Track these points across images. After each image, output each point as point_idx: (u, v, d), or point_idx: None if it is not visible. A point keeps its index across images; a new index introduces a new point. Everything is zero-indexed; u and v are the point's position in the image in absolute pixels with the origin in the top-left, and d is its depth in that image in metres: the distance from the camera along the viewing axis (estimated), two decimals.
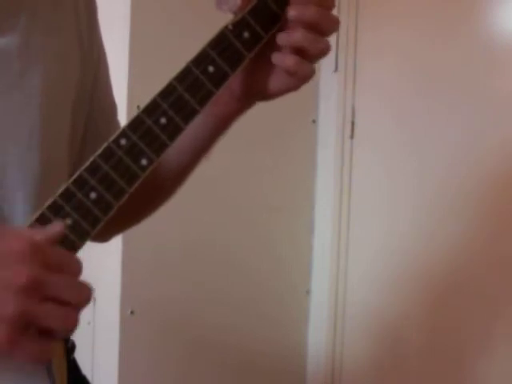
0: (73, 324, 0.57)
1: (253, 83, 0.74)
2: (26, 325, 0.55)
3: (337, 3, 2.07)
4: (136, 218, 0.91)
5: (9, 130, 0.67)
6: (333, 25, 0.70)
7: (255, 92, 0.74)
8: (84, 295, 0.58)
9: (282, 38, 0.70)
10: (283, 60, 0.70)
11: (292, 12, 0.68)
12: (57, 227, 0.59)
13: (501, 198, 1.65)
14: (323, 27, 0.69)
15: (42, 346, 0.56)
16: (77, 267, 0.58)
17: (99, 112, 0.83)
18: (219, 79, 0.68)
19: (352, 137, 1.93)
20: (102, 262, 1.59)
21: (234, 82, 0.73)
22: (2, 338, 0.54)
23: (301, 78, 0.71)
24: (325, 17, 0.69)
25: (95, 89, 0.81)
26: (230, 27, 0.69)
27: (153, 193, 0.84)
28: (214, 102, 0.69)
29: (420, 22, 1.78)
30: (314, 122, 1.98)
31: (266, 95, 0.74)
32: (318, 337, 1.98)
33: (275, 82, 0.73)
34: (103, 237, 0.88)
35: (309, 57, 0.70)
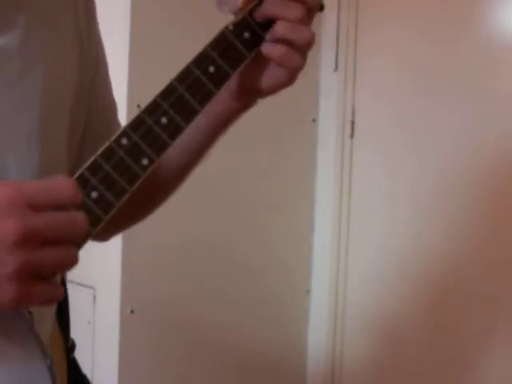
0: (73, 260, 0.57)
1: (248, 81, 0.75)
2: (30, 275, 0.55)
3: (337, 3, 2.07)
4: (136, 217, 0.91)
5: (8, 130, 0.67)
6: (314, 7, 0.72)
7: (251, 90, 0.75)
8: (79, 227, 0.57)
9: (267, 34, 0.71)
10: (271, 50, 0.71)
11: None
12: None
13: (500, 198, 1.65)
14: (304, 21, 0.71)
15: (51, 287, 0.56)
16: (68, 194, 0.57)
17: (98, 111, 0.83)
18: (220, 79, 0.69)
19: (352, 136, 1.93)
20: (101, 262, 1.59)
21: (232, 81, 0.73)
22: (12, 295, 0.54)
23: (290, 69, 0.72)
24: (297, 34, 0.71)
25: (94, 88, 0.81)
26: (231, 28, 0.69)
27: (153, 192, 0.84)
28: (213, 102, 0.69)
29: (420, 22, 1.78)
30: (313, 121, 1.98)
31: (261, 92, 0.75)
32: (317, 337, 1.98)
33: (268, 77, 0.73)
34: (103, 236, 0.88)
35: (296, 47, 0.71)
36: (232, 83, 0.74)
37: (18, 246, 0.54)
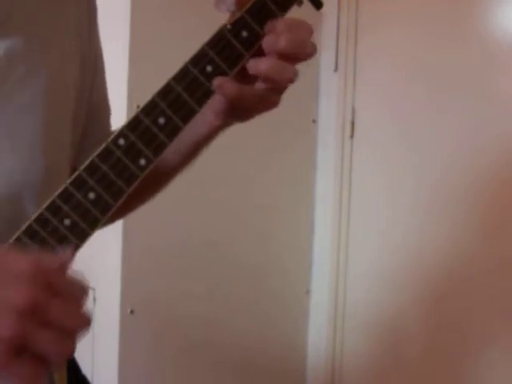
0: (69, 352, 0.56)
1: (238, 104, 0.72)
2: (21, 348, 0.53)
3: (337, 3, 2.07)
4: (127, 208, 0.91)
5: (13, 133, 0.67)
6: (309, 53, 0.69)
7: (239, 113, 0.74)
8: (83, 324, 0.56)
9: (250, 66, 0.69)
10: (257, 64, 0.68)
11: (264, 43, 0.68)
12: (67, 256, 0.58)
13: (501, 197, 1.65)
14: (298, 56, 0.68)
15: (35, 370, 0.55)
16: (80, 293, 0.57)
17: (96, 116, 0.83)
18: None
19: (352, 137, 1.93)
20: (102, 261, 1.59)
21: (217, 101, 0.71)
22: None
23: (268, 105, 0.71)
24: (299, 46, 0.68)
25: (93, 90, 0.81)
26: (229, 26, 0.69)
27: (147, 187, 0.84)
28: (196, 120, 0.68)
29: (420, 22, 1.78)
30: (314, 121, 1.98)
31: (249, 116, 0.74)
32: (317, 336, 1.98)
33: (249, 105, 0.71)
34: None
35: (277, 84, 0.69)
36: (218, 105, 0.72)
37: (23, 314, 0.52)
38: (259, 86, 0.70)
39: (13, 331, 0.52)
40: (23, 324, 0.52)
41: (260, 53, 0.69)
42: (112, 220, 0.90)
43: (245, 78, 0.70)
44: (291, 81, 0.69)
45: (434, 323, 1.77)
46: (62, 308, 0.55)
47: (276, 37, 0.68)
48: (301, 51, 0.68)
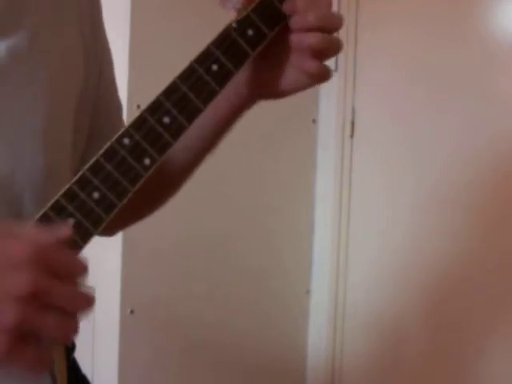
0: (72, 333, 0.56)
1: (262, 82, 0.74)
2: (25, 334, 0.53)
3: (337, 3, 2.07)
4: (139, 214, 0.91)
5: (14, 131, 0.67)
6: (336, 24, 0.70)
7: (264, 90, 0.74)
8: (85, 304, 0.56)
9: (295, 41, 0.69)
10: (303, 65, 0.70)
11: (294, 23, 0.69)
12: (64, 230, 0.58)
13: (501, 197, 1.65)
14: (327, 28, 0.69)
15: (41, 354, 0.55)
16: (81, 271, 0.56)
17: (103, 112, 0.83)
18: (223, 78, 0.68)
19: (352, 136, 1.93)
20: (102, 262, 1.59)
21: (241, 79, 0.72)
22: (0, 348, 0.53)
23: (320, 79, 0.71)
24: (326, 19, 0.69)
25: (99, 89, 0.81)
26: (234, 25, 0.68)
27: (157, 189, 0.84)
28: (217, 101, 0.68)
29: (420, 22, 1.78)
30: (314, 121, 1.98)
31: (277, 94, 0.74)
32: (317, 336, 1.98)
33: (289, 80, 0.72)
34: (107, 232, 0.88)
35: (323, 56, 0.70)
36: (241, 83, 0.73)
37: (24, 301, 0.52)
38: (288, 70, 0.71)
39: (14, 317, 0.52)
40: (25, 311, 0.53)
41: (279, 36, 0.70)
42: (125, 224, 0.90)
43: (273, 65, 0.71)
44: (338, 50, 0.70)
45: (434, 323, 1.76)
46: (62, 289, 0.54)
47: (302, 14, 0.68)
48: (328, 24, 0.69)
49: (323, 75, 0.70)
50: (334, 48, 0.70)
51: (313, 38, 0.68)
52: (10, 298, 0.52)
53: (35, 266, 0.53)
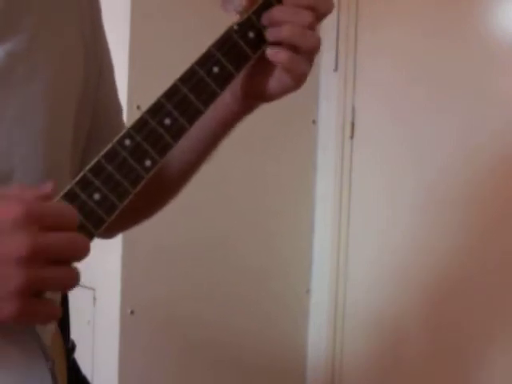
0: (75, 280, 0.57)
1: (253, 85, 0.74)
2: (32, 292, 0.55)
3: (337, 3, 2.07)
4: (140, 216, 0.91)
5: (13, 132, 0.67)
6: (312, 42, 0.70)
7: (256, 93, 0.75)
8: (82, 249, 0.57)
9: (270, 34, 0.70)
10: (276, 55, 0.70)
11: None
12: (46, 186, 0.58)
13: (500, 197, 1.65)
14: (303, 46, 0.69)
15: (50, 306, 0.57)
16: (72, 218, 0.58)
17: (103, 113, 0.83)
18: (224, 80, 0.68)
19: (352, 137, 1.93)
20: (102, 262, 1.59)
21: (236, 83, 0.73)
22: (12, 312, 0.54)
23: (297, 75, 0.71)
24: (301, 39, 0.69)
25: (99, 90, 0.81)
26: (236, 27, 0.69)
27: (157, 192, 0.84)
28: (216, 104, 0.69)
29: (420, 22, 1.78)
30: (314, 122, 1.98)
31: (266, 96, 0.74)
32: (317, 336, 1.98)
33: (274, 82, 0.73)
34: (107, 234, 0.88)
35: (302, 52, 0.70)
36: (237, 87, 0.73)
37: (24, 263, 0.54)
38: (279, 73, 0.71)
39: (23, 282, 0.53)
40: (29, 271, 0.54)
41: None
42: (125, 227, 0.91)
43: (262, 68, 0.71)
44: (316, 46, 0.70)
45: (434, 323, 1.77)
46: (59, 241, 0.56)
47: (276, 27, 0.69)
48: (302, 42, 0.69)
49: (298, 68, 0.70)
50: (301, 69, 0.70)
51: (282, 56, 0.69)
52: (13, 261, 0.53)
53: (28, 224, 0.54)
